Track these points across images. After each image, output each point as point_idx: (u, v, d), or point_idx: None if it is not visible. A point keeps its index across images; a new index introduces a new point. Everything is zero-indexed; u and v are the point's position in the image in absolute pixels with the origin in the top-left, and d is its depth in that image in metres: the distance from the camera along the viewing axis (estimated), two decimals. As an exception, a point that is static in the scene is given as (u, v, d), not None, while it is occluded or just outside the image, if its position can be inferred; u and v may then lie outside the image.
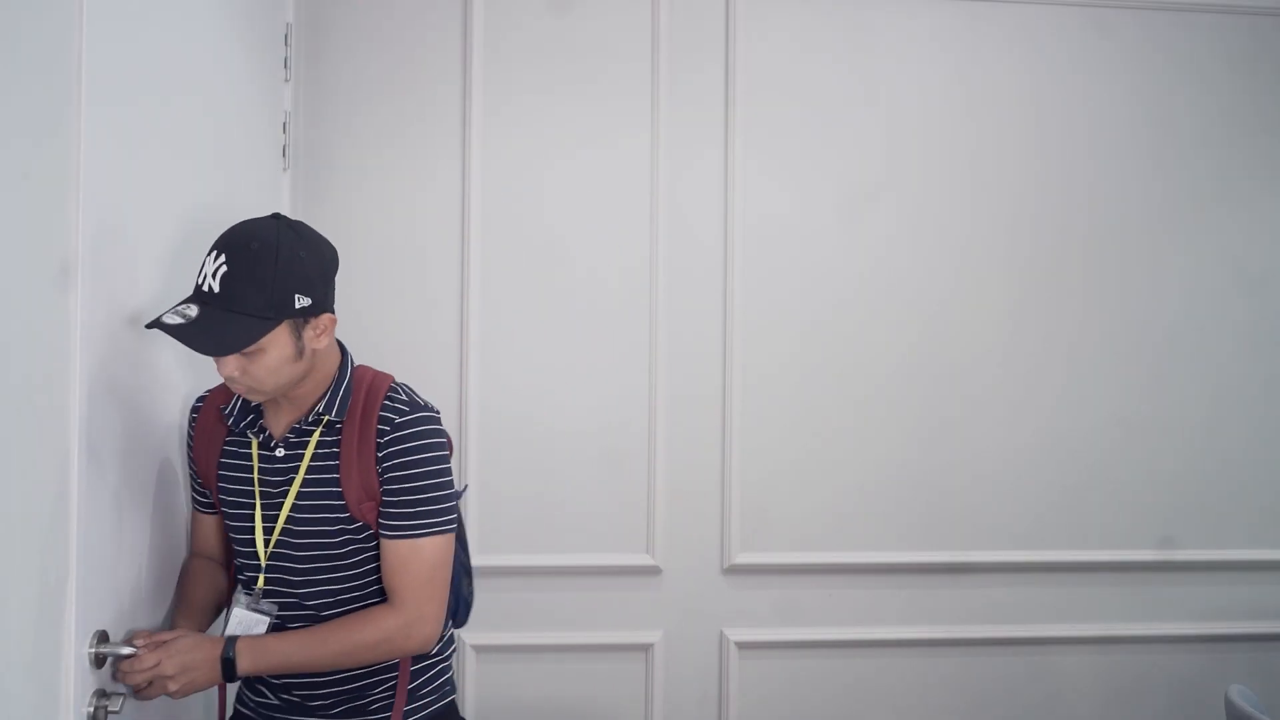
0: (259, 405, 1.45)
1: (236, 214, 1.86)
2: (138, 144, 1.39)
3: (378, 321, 2.24)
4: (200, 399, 1.54)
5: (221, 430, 1.48)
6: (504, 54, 2.29)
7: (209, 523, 1.57)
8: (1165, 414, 2.44)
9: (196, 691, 1.35)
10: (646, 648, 2.32)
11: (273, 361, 1.33)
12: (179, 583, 1.55)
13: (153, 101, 1.45)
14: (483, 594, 2.29)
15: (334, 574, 1.44)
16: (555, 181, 2.31)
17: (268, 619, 1.43)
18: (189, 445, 1.53)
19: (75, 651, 1.21)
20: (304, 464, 1.41)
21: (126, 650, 1.29)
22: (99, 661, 1.25)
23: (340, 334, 2.21)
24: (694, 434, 2.32)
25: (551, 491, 2.28)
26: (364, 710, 1.49)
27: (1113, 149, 2.44)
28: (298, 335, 1.35)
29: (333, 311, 1.41)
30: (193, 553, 1.60)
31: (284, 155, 2.17)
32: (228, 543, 1.53)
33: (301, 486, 1.41)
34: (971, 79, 2.41)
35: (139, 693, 1.31)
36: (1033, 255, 2.42)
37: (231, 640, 1.36)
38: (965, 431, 2.40)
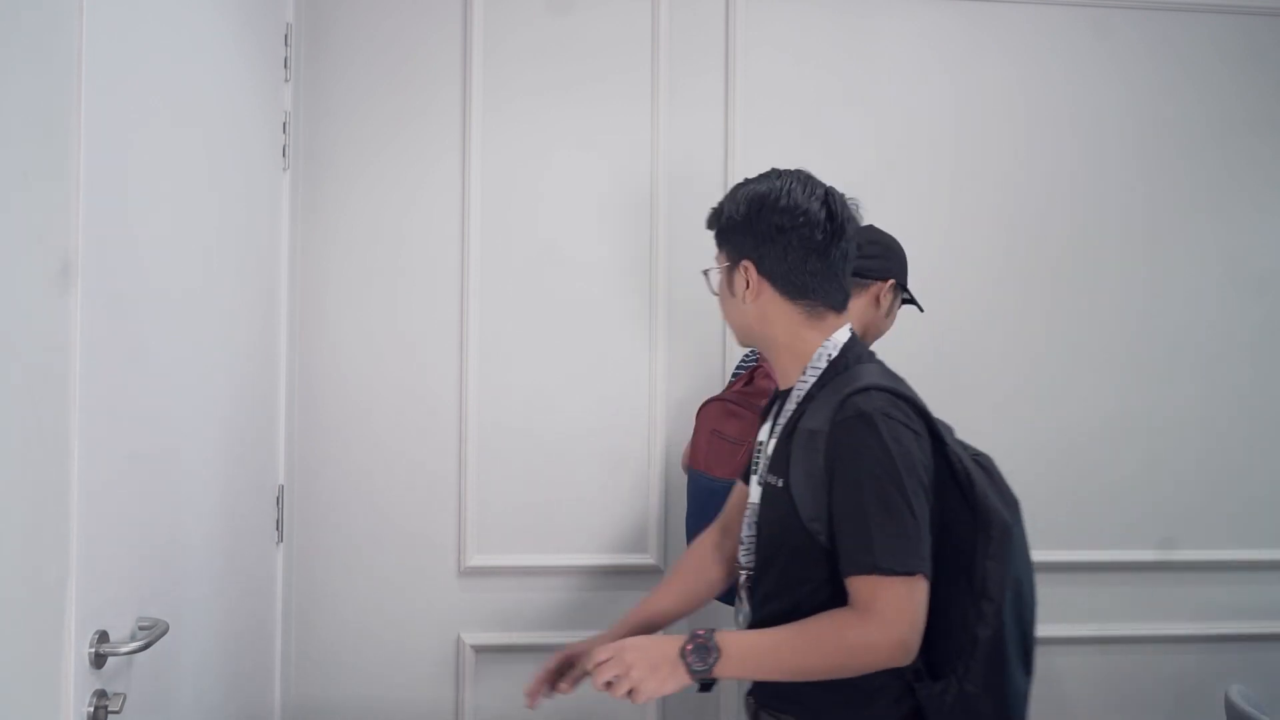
0: None
1: (236, 213, 1.87)
2: (138, 143, 1.39)
3: (378, 321, 2.24)
4: None
5: None
6: (504, 55, 2.29)
7: None
8: (1165, 414, 2.45)
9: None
10: (646, 648, 2.32)
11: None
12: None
13: (153, 101, 1.45)
14: (483, 594, 2.29)
15: None
16: (556, 182, 2.31)
17: None
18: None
19: (75, 651, 1.20)
20: None
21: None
22: (99, 661, 1.25)
23: (339, 333, 2.23)
24: (694, 434, 2.32)
25: (552, 491, 2.28)
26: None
27: (1114, 148, 2.45)
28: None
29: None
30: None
31: (284, 155, 2.17)
32: None
33: None
34: (969, 80, 2.41)
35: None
36: (1032, 255, 2.42)
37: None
38: (962, 431, 2.39)
